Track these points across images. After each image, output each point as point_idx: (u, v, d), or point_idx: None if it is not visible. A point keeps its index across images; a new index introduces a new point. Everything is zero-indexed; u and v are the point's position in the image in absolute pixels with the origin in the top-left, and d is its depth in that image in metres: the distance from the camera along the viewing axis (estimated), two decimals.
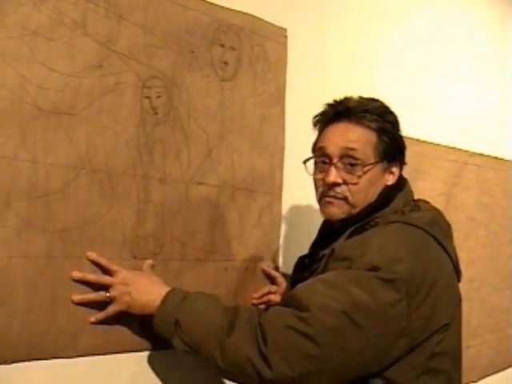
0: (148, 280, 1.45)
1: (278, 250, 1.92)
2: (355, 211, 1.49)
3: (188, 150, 1.64)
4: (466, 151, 2.80)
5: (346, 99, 1.53)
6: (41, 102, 1.35)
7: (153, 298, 1.38)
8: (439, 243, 1.42)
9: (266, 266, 1.86)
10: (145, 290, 1.41)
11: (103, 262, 1.43)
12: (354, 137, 1.48)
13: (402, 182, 1.55)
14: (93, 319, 1.42)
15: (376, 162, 1.48)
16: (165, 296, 1.38)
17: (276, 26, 1.93)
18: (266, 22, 1.89)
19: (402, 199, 1.51)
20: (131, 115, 1.52)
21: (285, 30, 1.96)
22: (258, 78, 1.86)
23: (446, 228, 1.52)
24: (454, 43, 2.85)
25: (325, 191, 1.50)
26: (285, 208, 1.93)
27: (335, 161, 1.48)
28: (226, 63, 1.76)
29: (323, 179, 1.50)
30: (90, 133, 1.44)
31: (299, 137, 1.95)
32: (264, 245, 1.87)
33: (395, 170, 1.53)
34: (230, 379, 1.41)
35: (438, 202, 1.67)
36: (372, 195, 1.50)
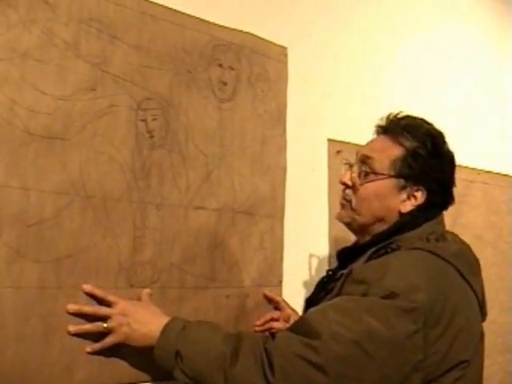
0: (147, 310, 1.42)
1: (281, 275, 1.87)
2: (360, 219, 1.52)
3: (186, 174, 1.61)
4: (473, 169, 2.76)
5: (400, 116, 1.56)
6: (32, 127, 1.32)
7: (153, 328, 1.35)
8: (462, 276, 1.38)
9: (269, 290, 1.81)
10: (144, 320, 1.37)
11: (99, 293, 1.40)
12: (377, 147, 1.52)
13: (434, 212, 1.50)
14: (89, 349, 1.38)
15: (389, 176, 1.47)
16: (164, 326, 1.34)
17: (276, 44, 1.91)
18: (266, 41, 1.87)
19: (429, 228, 1.46)
20: (126, 139, 1.49)
21: (285, 48, 1.94)
22: (258, 97, 1.83)
23: (474, 263, 1.48)
24: (456, 57, 2.81)
25: (342, 191, 1.58)
26: (287, 231, 1.89)
27: (354, 165, 1.54)
28: (224, 83, 1.73)
29: None
30: (84, 158, 1.41)
31: (301, 157, 1.93)
32: (266, 270, 1.82)
33: (419, 195, 1.48)
34: None
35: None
36: (379, 209, 1.49)
